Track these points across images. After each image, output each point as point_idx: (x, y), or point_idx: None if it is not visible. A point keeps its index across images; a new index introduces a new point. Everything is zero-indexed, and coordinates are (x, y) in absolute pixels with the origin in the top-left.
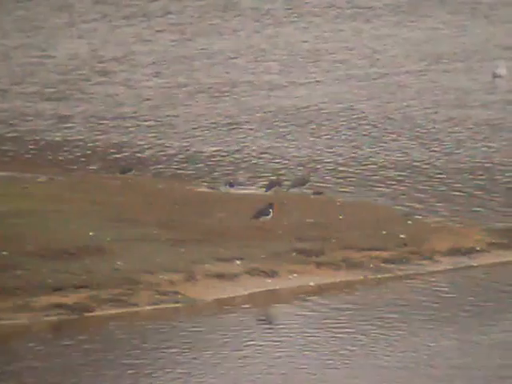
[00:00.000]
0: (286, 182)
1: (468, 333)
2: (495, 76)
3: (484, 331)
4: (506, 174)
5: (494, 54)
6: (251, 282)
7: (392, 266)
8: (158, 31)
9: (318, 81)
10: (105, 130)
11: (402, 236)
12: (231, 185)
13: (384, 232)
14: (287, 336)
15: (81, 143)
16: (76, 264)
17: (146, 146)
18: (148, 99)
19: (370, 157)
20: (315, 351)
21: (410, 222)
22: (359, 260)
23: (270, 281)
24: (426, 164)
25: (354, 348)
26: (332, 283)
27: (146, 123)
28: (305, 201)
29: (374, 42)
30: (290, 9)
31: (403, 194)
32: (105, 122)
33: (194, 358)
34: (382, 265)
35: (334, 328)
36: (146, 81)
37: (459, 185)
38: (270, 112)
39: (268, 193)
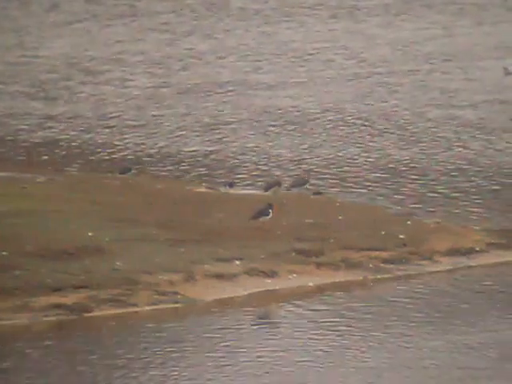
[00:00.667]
0: (285, 182)
1: (468, 333)
2: (507, 73)
3: (484, 331)
4: (506, 174)
5: (483, 54)
6: (251, 282)
7: (391, 266)
8: (146, 31)
9: (305, 81)
10: (91, 129)
11: (401, 236)
12: (230, 185)
13: (383, 232)
14: (287, 336)
15: (63, 143)
16: (75, 264)
17: (140, 147)
18: (134, 99)
19: (369, 157)
20: (315, 351)
21: (409, 222)
22: (358, 260)
23: (269, 281)
24: (426, 164)
25: (354, 348)
26: (331, 283)
27: (134, 123)
28: (304, 201)
29: (363, 42)
30: (278, 8)
31: (402, 195)
32: (91, 121)
33: (194, 359)
34: (382, 265)
35: (333, 328)
36: (132, 80)
37: (459, 185)
38: (267, 112)
39: (267, 193)
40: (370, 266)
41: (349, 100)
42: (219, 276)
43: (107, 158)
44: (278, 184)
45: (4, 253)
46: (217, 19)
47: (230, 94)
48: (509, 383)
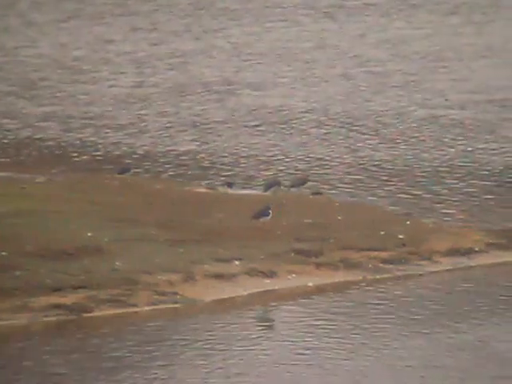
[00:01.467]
0: (284, 183)
1: (467, 333)
2: None
3: (483, 332)
4: (506, 175)
5: (469, 54)
6: (250, 282)
7: (391, 266)
8: (131, 31)
9: (297, 80)
10: (79, 128)
11: (400, 236)
12: (230, 185)
13: (382, 232)
14: (286, 336)
15: (52, 143)
16: (75, 264)
17: (129, 146)
18: (120, 99)
19: (369, 157)
20: (314, 351)
21: (408, 222)
22: (358, 260)
23: (268, 281)
24: (425, 164)
25: (353, 348)
26: (331, 283)
27: (119, 122)
28: (303, 201)
29: (350, 42)
30: (264, 8)
31: (402, 195)
32: (76, 120)
33: (193, 359)
34: (381, 265)
35: (333, 328)
36: (119, 79)
37: (458, 185)
38: (267, 112)
39: (267, 193)
40: (370, 266)
41: (346, 100)
42: (219, 276)
43: (94, 157)
44: (278, 184)
45: (3, 253)
46: (202, 18)
47: (224, 93)
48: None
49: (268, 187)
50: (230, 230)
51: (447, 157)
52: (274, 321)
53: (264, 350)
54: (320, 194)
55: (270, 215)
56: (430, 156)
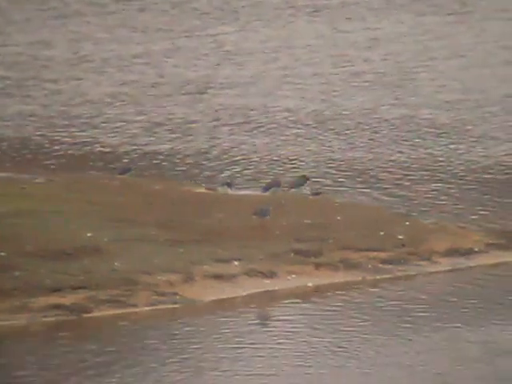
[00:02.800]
0: (284, 183)
1: (467, 333)
2: None
3: (483, 332)
4: (505, 175)
5: (454, 54)
6: (249, 282)
7: (390, 266)
8: (109, 29)
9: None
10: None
11: (400, 237)
12: (229, 185)
13: (382, 233)
14: (286, 337)
15: (51, 143)
16: (74, 265)
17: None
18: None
19: (368, 158)
20: (314, 352)
21: (407, 222)
22: (357, 261)
23: (268, 281)
24: (424, 165)
25: (353, 348)
26: (330, 284)
27: (117, 122)
28: (303, 201)
29: (330, 41)
30: (243, 7)
31: (401, 195)
32: (76, 121)
33: (193, 359)
34: (380, 265)
35: (332, 328)
36: (99, 78)
37: (457, 185)
38: (266, 112)
39: (266, 193)
40: (369, 266)
41: (342, 99)
42: (218, 276)
43: (93, 157)
44: (277, 184)
45: (3, 253)
46: (182, 18)
47: (218, 93)
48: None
49: (268, 187)
50: (230, 231)
51: (455, 156)
52: (273, 321)
53: (263, 350)
54: (319, 194)
55: (270, 215)
56: (438, 156)
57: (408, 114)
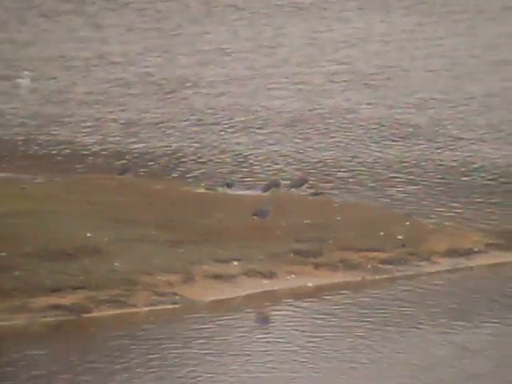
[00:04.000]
0: (284, 183)
1: (466, 333)
2: None
3: (482, 332)
4: (505, 175)
5: (422, 55)
6: (249, 283)
7: (390, 266)
8: (93, 28)
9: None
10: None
11: (399, 237)
12: (228, 185)
13: (382, 233)
14: (285, 337)
15: (50, 143)
16: (74, 265)
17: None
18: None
19: (368, 158)
20: (313, 352)
21: (407, 222)
22: (357, 261)
23: (267, 282)
24: (424, 165)
25: (352, 348)
26: (330, 284)
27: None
28: (303, 202)
29: (308, 40)
30: (216, 7)
31: (401, 195)
32: (74, 120)
33: (192, 359)
34: (380, 266)
35: (332, 329)
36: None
37: (457, 185)
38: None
39: (266, 194)
40: (369, 266)
41: (319, 98)
42: (218, 277)
43: (93, 158)
44: (277, 185)
45: (2, 253)
46: (161, 17)
47: (212, 92)
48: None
49: (267, 188)
50: (229, 231)
51: (456, 156)
52: (273, 321)
53: (263, 350)
54: (319, 194)
55: (269, 216)
56: (437, 157)
57: (386, 113)
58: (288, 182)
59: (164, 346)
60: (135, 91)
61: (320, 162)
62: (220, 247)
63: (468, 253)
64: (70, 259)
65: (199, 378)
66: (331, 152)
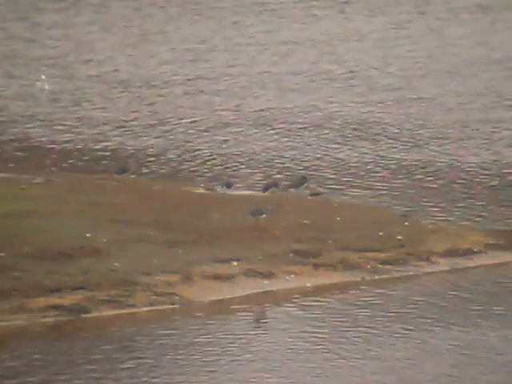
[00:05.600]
0: (283, 183)
1: (466, 334)
2: None
3: (482, 332)
4: (505, 175)
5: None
6: (248, 283)
7: (389, 267)
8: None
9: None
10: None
11: (399, 237)
12: (228, 185)
13: (381, 233)
14: (284, 337)
15: (49, 143)
16: (73, 265)
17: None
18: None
19: (367, 158)
20: (312, 352)
21: (406, 223)
22: (356, 261)
23: (267, 282)
24: (423, 165)
25: (352, 349)
26: (329, 284)
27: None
28: (302, 202)
29: (283, 39)
30: (186, 4)
31: (400, 195)
32: (73, 121)
33: (191, 359)
34: (379, 266)
35: (331, 329)
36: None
37: (456, 186)
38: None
39: (265, 194)
40: (368, 266)
41: (334, 99)
42: (217, 277)
43: (92, 158)
44: (276, 185)
45: (1, 254)
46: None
47: (210, 92)
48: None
49: (266, 188)
50: (229, 231)
51: (456, 156)
52: (272, 322)
53: (262, 350)
54: (318, 194)
55: (268, 212)
56: (437, 157)
57: (359, 112)
58: (287, 182)
59: (163, 346)
60: (131, 91)
61: (319, 162)
62: (219, 247)
63: (467, 253)
64: (69, 259)
65: (198, 378)
66: (330, 152)
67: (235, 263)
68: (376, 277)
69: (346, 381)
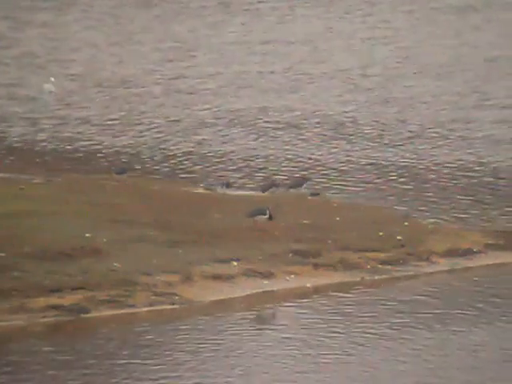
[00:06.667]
0: (283, 183)
1: (465, 334)
2: None
3: (481, 332)
4: (504, 176)
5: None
6: (248, 283)
7: (389, 267)
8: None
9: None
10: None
11: (398, 237)
12: (227, 185)
13: (381, 233)
14: (284, 337)
15: (49, 144)
16: (73, 265)
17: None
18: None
19: (367, 158)
20: (312, 352)
21: (406, 223)
22: (356, 261)
23: (266, 282)
24: (423, 165)
25: (352, 349)
26: (329, 284)
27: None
28: (302, 202)
29: (263, 38)
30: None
31: (400, 196)
32: (72, 121)
33: (191, 360)
34: (379, 266)
35: (331, 329)
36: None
37: (456, 186)
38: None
39: (265, 194)
40: (368, 266)
41: (313, 99)
42: (217, 277)
43: (92, 158)
44: (276, 185)
45: (1, 254)
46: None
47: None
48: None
49: (266, 188)
50: (228, 231)
51: (458, 157)
52: (272, 322)
53: (262, 350)
54: (318, 194)
55: (267, 215)
56: (437, 158)
57: (337, 112)
58: (287, 182)
59: (163, 346)
60: (109, 91)
61: (319, 162)
62: (219, 247)
63: (467, 253)
64: (69, 259)
65: (198, 379)
66: (329, 152)
67: (235, 263)
68: (376, 277)
69: (346, 380)
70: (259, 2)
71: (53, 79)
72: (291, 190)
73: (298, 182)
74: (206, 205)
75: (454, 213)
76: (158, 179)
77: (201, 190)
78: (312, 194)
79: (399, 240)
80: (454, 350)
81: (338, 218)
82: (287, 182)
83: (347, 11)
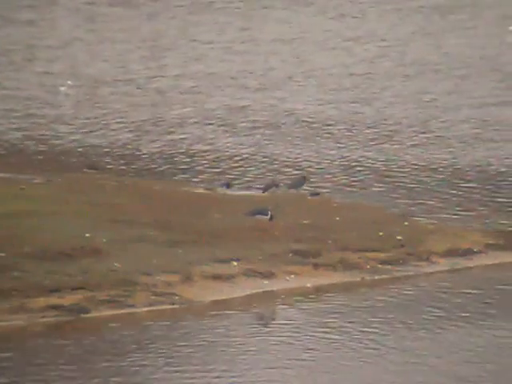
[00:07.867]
0: (283, 183)
1: (465, 334)
2: None
3: (481, 332)
4: (505, 176)
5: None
6: (248, 283)
7: (389, 267)
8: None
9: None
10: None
11: (398, 237)
12: (227, 185)
13: (381, 233)
14: (284, 337)
15: (49, 144)
16: (73, 265)
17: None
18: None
19: (367, 158)
20: (312, 352)
21: (406, 223)
22: (356, 261)
23: (266, 282)
24: (423, 165)
25: (352, 349)
26: (329, 284)
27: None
28: (302, 202)
29: (251, 37)
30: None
31: (400, 195)
32: (72, 121)
33: (191, 360)
34: (379, 266)
35: (331, 329)
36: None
37: (456, 186)
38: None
39: (265, 194)
40: (368, 266)
41: (330, 100)
42: (217, 277)
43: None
44: (276, 185)
45: (1, 254)
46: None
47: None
48: None
49: (266, 188)
50: (228, 231)
51: (458, 157)
52: (272, 322)
53: (262, 350)
54: (318, 194)
55: (268, 215)
56: (437, 158)
57: (314, 112)
58: (287, 182)
59: (163, 346)
60: (86, 89)
61: (319, 162)
62: (219, 247)
63: (467, 253)
64: (69, 259)
65: (198, 379)
66: (330, 152)
67: (235, 263)
68: (376, 277)
69: (346, 380)
70: (240, 1)
71: (70, 82)
72: (291, 190)
73: (298, 182)
74: (205, 205)
75: (454, 213)
76: (158, 179)
77: (201, 190)
78: (312, 194)
79: (399, 240)
80: (453, 350)
81: (337, 218)
82: (287, 181)
83: (327, 10)
